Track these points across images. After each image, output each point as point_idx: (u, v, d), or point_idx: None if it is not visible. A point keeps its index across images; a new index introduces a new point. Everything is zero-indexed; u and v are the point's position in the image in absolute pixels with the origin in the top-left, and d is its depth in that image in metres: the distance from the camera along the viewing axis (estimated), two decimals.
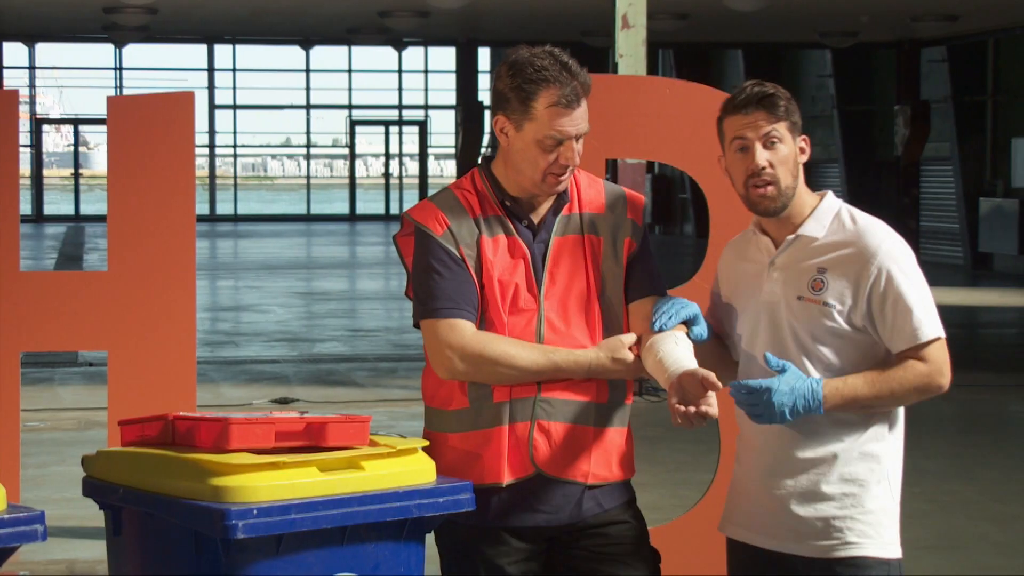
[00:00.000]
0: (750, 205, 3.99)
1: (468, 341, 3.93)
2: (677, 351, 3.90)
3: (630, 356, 3.98)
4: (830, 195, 4.05)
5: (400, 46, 36.38)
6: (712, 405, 3.74)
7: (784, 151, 3.95)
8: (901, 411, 4.02)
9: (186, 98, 5.70)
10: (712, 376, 3.74)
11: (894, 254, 3.92)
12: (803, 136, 4.01)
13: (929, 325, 3.89)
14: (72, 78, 76.08)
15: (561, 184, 3.99)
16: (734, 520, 4.13)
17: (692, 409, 3.74)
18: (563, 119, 3.91)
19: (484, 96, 36.02)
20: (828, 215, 4.00)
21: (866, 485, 3.95)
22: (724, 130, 4.01)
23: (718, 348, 4.17)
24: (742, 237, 4.18)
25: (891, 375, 3.89)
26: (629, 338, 4.00)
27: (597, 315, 4.03)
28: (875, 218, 4.02)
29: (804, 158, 4.01)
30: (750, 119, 3.95)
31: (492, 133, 4.06)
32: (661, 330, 3.95)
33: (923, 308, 3.90)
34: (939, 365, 3.90)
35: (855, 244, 3.94)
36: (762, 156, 3.93)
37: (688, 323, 4.01)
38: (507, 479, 3.96)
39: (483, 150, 33.72)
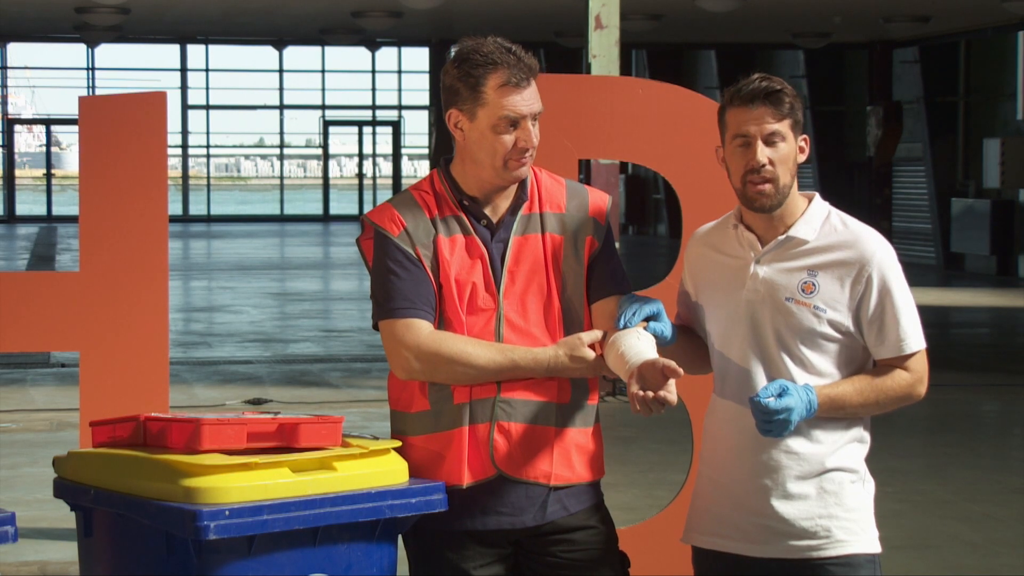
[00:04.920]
0: (745, 200, 3.94)
1: (424, 340, 3.93)
2: (639, 344, 3.87)
3: (589, 353, 3.95)
4: (818, 197, 4.02)
5: (373, 46, 36.38)
6: (671, 392, 3.72)
7: (785, 150, 3.90)
8: None
9: (158, 98, 5.68)
10: (672, 364, 3.72)
11: (887, 263, 3.91)
12: (803, 136, 3.97)
13: (915, 336, 3.92)
14: (44, 78, 76.06)
15: (523, 169, 3.98)
16: (702, 528, 4.07)
17: (651, 394, 3.73)
18: (514, 97, 3.92)
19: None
20: (818, 218, 3.97)
21: (848, 481, 3.96)
22: (727, 122, 3.95)
23: (689, 345, 4.14)
24: (716, 229, 4.12)
25: (878, 385, 3.91)
26: (589, 336, 3.98)
27: (558, 314, 4.03)
28: (864, 224, 4.00)
29: (803, 157, 3.97)
30: (754, 114, 3.89)
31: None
32: (626, 327, 3.93)
33: (910, 319, 3.92)
34: (921, 375, 3.94)
35: (849, 249, 3.91)
36: (763, 153, 3.87)
37: (650, 319, 3.98)
38: (467, 481, 3.95)
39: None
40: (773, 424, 3.80)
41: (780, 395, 3.80)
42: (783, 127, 3.90)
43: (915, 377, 3.93)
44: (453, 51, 4.05)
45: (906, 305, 3.92)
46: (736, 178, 3.94)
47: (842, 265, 3.91)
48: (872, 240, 3.94)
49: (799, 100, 3.96)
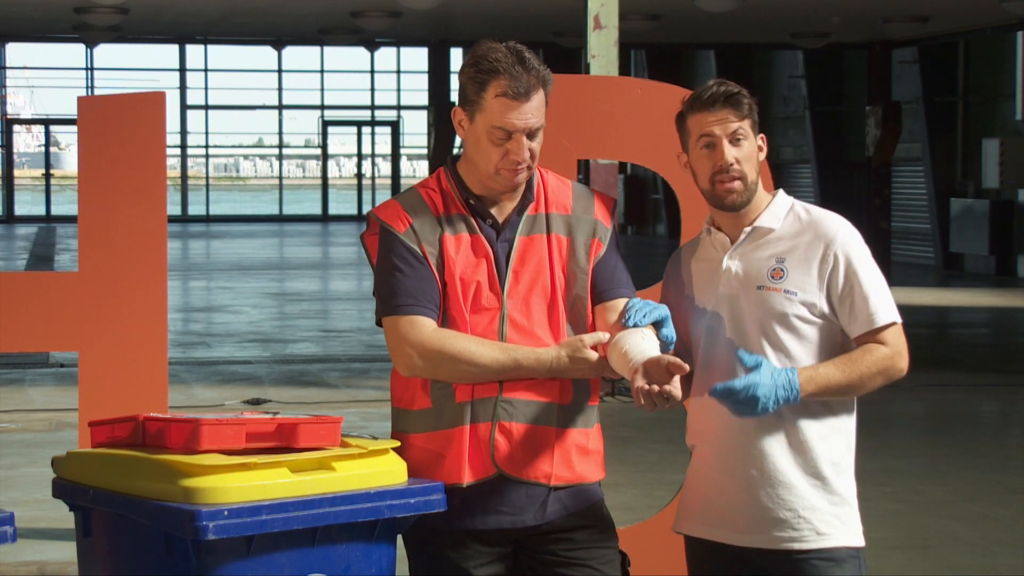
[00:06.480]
0: (714, 200, 4.05)
1: (427, 338, 3.93)
2: (643, 344, 3.89)
3: (591, 355, 3.95)
4: (781, 192, 4.15)
5: (372, 46, 36.36)
6: (676, 387, 3.75)
7: (749, 148, 4.03)
8: (855, 402, 4.08)
9: (157, 98, 5.68)
10: (678, 360, 3.74)
11: (850, 242, 4.02)
12: (761, 135, 4.09)
13: (885, 310, 3.98)
14: (43, 78, 75.75)
15: (517, 178, 3.98)
16: (692, 517, 4.13)
17: (656, 388, 3.74)
18: (510, 111, 3.91)
19: (456, 97, 36.00)
20: (782, 209, 4.09)
21: (832, 474, 4.00)
22: (688, 127, 4.07)
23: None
24: (693, 241, 4.23)
25: (859, 359, 3.95)
26: (591, 337, 3.98)
27: (562, 315, 4.03)
28: (826, 209, 4.11)
29: (762, 156, 4.10)
30: (717, 116, 4.01)
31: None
32: (636, 326, 3.95)
33: (879, 294, 3.99)
34: (898, 348, 3.99)
35: (812, 233, 4.03)
36: (730, 153, 3.99)
37: (658, 325, 4.01)
38: (467, 480, 3.95)
39: (455, 150, 33.72)
40: (741, 402, 3.82)
41: (755, 367, 3.84)
42: (745, 126, 4.03)
43: (893, 350, 3.98)
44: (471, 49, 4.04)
45: (873, 280, 4.00)
46: (704, 180, 4.05)
47: (807, 248, 4.01)
48: (833, 222, 4.05)
49: (756, 103, 4.08)
